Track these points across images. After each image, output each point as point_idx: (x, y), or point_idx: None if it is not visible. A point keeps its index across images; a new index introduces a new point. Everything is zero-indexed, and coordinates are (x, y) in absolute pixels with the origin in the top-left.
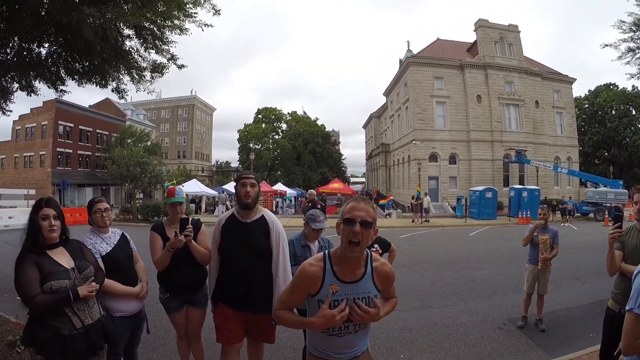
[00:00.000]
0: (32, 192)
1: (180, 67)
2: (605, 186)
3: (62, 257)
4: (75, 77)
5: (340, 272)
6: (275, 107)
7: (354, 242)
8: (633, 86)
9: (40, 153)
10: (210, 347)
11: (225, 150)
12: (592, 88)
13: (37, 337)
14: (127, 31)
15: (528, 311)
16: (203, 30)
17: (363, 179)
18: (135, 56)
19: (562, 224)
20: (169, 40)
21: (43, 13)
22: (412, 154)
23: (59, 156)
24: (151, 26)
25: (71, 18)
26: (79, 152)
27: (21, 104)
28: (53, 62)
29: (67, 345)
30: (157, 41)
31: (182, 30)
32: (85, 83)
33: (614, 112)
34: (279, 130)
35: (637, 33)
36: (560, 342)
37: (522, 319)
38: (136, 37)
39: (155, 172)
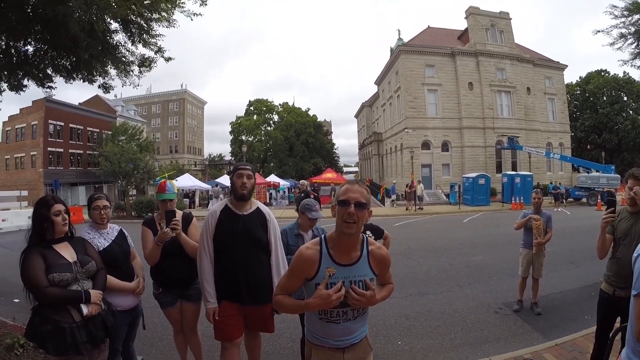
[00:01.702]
0: (25, 193)
1: (168, 59)
2: (597, 171)
3: (66, 251)
4: (62, 73)
5: (336, 255)
6: (267, 99)
7: (349, 221)
8: (624, 72)
9: (32, 153)
10: (209, 340)
11: (217, 143)
12: (584, 74)
13: (39, 332)
14: (114, 25)
15: (524, 295)
16: (192, 19)
17: (356, 169)
18: (123, 50)
19: (555, 209)
20: (157, 33)
21: (29, 10)
22: (405, 142)
23: (50, 156)
24: (138, 19)
25: (57, 12)
26: (70, 150)
27: (10, 104)
28: (40, 59)
29: (66, 338)
30: (144, 34)
31: (170, 22)
32: (73, 80)
33: (605, 99)
34: (271, 122)
35: (629, 18)
36: (556, 324)
37: (518, 303)
38: (123, 31)
39: (147, 168)
